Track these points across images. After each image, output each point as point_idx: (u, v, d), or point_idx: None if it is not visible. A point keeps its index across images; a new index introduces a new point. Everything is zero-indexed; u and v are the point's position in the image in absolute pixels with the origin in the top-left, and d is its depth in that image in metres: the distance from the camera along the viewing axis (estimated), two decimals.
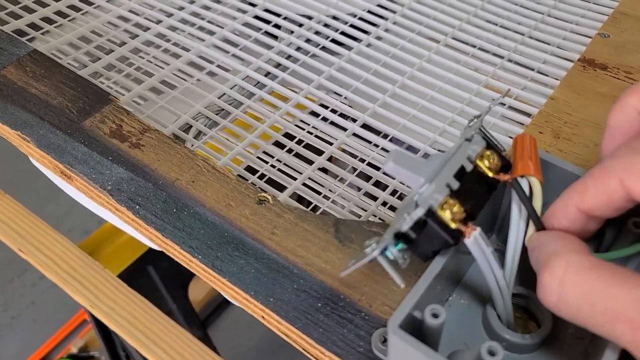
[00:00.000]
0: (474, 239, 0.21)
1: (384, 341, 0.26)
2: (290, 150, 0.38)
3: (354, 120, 0.39)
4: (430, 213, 0.22)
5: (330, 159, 0.38)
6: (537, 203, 0.23)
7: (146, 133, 0.36)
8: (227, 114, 0.41)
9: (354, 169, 0.37)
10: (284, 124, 0.39)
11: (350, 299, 0.28)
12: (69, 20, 0.47)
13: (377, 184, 0.36)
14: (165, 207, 0.32)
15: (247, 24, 0.47)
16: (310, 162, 0.37)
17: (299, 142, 0.39)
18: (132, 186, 0.33)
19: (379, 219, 0.34)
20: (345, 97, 0.41)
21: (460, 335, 0.26)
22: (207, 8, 0.49)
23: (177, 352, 0.44)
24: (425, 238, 0.22)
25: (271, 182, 0.36)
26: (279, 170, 0.37)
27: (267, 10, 0.48)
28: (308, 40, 0.46)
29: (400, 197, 0.35)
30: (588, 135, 0.35)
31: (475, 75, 0.42)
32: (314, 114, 0.40)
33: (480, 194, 0.24)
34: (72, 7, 0.48)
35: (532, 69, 0.42)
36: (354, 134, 0.39)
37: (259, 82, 0.43)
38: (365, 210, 0.35)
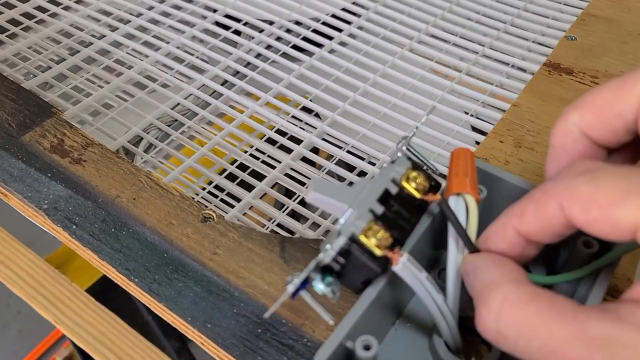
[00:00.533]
0: (402, 265, 0.20)
1: None
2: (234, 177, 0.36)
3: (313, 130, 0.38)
4: (354, 241, 0.20)
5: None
6: (473, 223, 0.21)
7: (89, 147, 0.34)
8: (180, 125, 0.39)
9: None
10: (228, 147, 0.37)
11: (292, 323, 0.26)
12: (21, 29, 0.45)
13: None
14: (104, 227, 0.30)
15: (206, 30, 0.45)
16: (261, 178, 0.35)
17: (243, 167, 0.36)
18: (70, 204, 0.31)
19: None
20: (304, 106, 0.40)
21: None
22: (166, 15, 0.47)
23: None
24: (351, 268, 0.21)
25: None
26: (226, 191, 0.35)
27: (227, 16, 0.47)
28: (269, 47, 0.44)
29: None
30: None
31: (441, 81, 0.40)
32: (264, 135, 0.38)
33: (408, 217, 0.22)
34: (26, 15, 0.46)
35: (501, 73, 0.41)
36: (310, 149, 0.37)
37: (215, 90, 0.41)
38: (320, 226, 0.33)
